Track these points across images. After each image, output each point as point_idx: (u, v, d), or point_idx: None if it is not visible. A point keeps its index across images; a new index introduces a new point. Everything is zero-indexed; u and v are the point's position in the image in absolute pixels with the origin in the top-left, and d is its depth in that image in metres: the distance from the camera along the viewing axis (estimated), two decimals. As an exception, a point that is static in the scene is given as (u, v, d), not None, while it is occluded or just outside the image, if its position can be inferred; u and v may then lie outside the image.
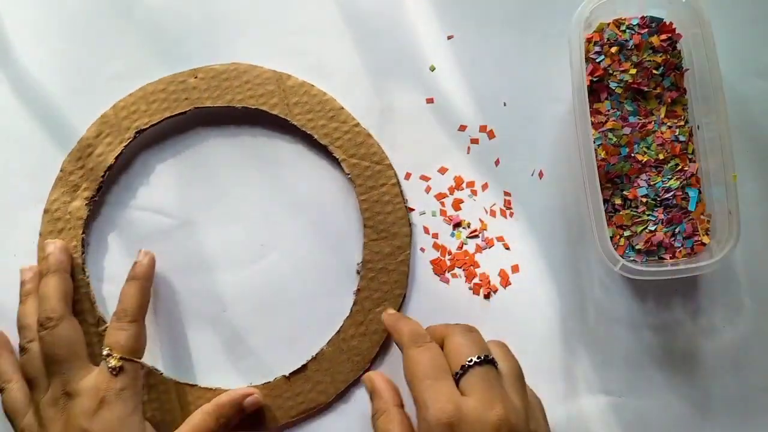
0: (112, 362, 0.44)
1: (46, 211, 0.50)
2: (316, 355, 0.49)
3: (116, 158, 0.50)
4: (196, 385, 0.49)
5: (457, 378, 0.40)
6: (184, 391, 0.48)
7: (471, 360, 0.40)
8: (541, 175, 0.50)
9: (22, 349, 0.46)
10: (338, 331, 0.49)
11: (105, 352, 0.45)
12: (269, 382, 0.49)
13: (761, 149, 0.50)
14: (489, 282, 0.50)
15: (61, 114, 0.51)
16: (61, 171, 0.50)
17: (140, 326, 0.46)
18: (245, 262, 0.50)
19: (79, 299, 0.49)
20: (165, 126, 0.51)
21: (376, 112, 0.51)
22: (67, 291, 0.47)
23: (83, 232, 0.50)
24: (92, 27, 0.52)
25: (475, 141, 0.51)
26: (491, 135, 0.51)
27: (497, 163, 0.51)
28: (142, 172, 0.51)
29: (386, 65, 0.51)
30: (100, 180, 0.50)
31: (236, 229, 0.51)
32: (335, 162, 0.50)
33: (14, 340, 0.48)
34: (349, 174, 0.50)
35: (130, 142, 0.50)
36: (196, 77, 0.51)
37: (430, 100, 0.51)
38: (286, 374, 0.48)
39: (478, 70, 0.51)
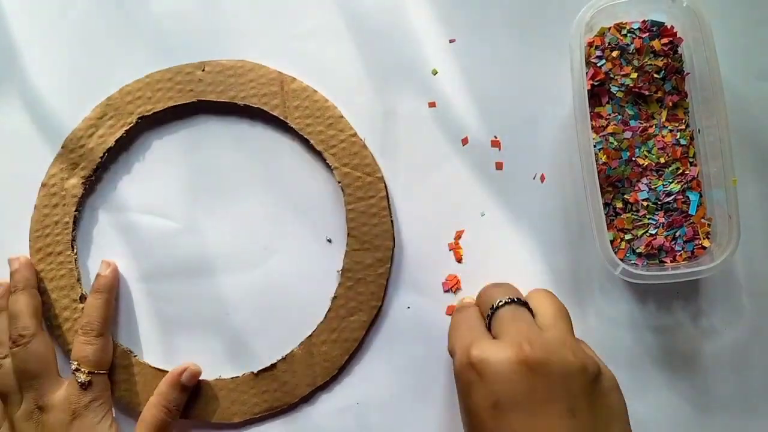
0: (81, 377, 0.47)
1: (43, 185, 0.51)
2: (286, 356, 0.49)
3: (116, 141, 0.51)
4: (166, 371, 0.49)
5: (488, 322, 0.41)
6: (155, 374, 0.49)
7: (499, 301, 0.41)
8: (542, 179, 0.50)
9: None
10: (310, 335, 0.49)
11: (73, 367, 0.47)
12: (237, 376, 0.49)
13: (762, 153, 0.50)
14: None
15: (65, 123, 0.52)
16: (62, 147, 0.51)
17: (106, 339, 0.49)
18: (246, 264, 0.51)
19: (65, 275, 0.50)
20: (167, 111, 0.52)
21: (378, 115, 0.51)
22: (37, 306, 0.49)
23: (76, 210, 0.51)
24: (98, 33, 0.53)
25: (476, 145, 0.51)
26: (494, 141, 0.51)
27: (499, 166, 0.51)
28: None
29: (388, 69, 0.51)
30: (99, 161, 0.51)
31: (233, 228, 0.51)
32: (329, 168, 0.51)
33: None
34: (340, 182, 0.50)
35: (132, 126, 0.51)
36: (203, 70, 0.52)
37: (432, 104, 0.51)
38: (254, 371, 0.49)
39: (480, 74, 0.51)
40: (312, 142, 0.50)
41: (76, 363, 0.47)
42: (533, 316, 0.41)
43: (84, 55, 0.53)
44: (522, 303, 0.41)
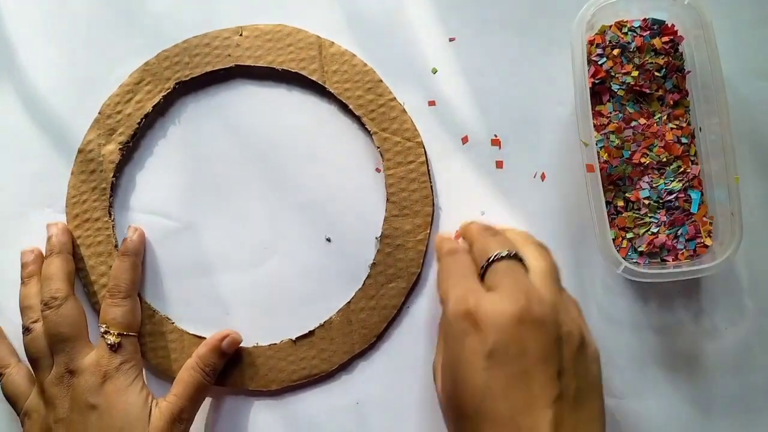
0: (111, 339, 0.46)
1: (80, 151, 0.51)
2: (324, 322, 0.49)
3: (154, 107, 0.51)
4: (204, 337, 0.49)
5: (482, 273, 0.40)
6: (192, 340, 0.49)
7: (496, 255, 0.40)
8: (543, 177, 0.50)
9: (27, 330, 0.48)
10: (348, 302, 0.49)
11: (102, 329, 0.47)
12: (275, 343, 0.49)
13: (763, 151, 0.50)
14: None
15: (65, 120, 0.52)
16: (99, 113, 0.51)
17: (134, 300, 0.48)
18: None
19: (102, 241, 0.50)
20: (205, 77, 0.51)
21: None
22: (70, 271, 0.49)
23: (114, 176, 0.51)
24: (97, 30, 0.53)
25: (476, 143, 0.50)
26: (494, 140, 0.51)
27: (499, 165, 0.50)
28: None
29: (388, 68, 0.51)
30: (136, 126, 0.51)
31: (236, 226, 0.51)
32: (367, 133, 0.50)
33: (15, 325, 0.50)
34: (379, 147, 0.49)
35: (169, 92, 0.51)
36: (240, 35, 0.51)
37: (432, 103, 0.51)
38: (293, 338, 0.49)
39: (480, 73, 0.51)
40: (351, 106, 0.50)
41: (105, 326, 0.47)
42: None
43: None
44: (518, 258, 0.41)
